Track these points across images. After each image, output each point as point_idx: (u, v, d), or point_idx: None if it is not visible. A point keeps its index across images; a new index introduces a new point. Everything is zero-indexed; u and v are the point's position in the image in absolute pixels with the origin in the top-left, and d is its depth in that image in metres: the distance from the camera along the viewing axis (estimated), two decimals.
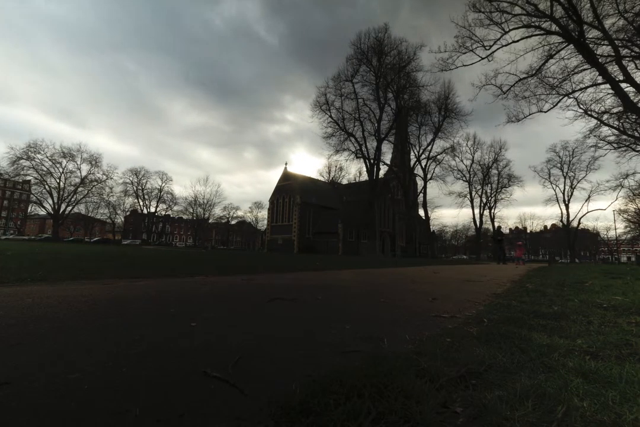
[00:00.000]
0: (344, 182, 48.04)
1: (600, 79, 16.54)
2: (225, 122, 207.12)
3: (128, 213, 67.85)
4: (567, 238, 49.90)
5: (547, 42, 17.23)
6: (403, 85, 37.76)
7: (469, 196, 51.35)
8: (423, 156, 43.21)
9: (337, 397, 0.94)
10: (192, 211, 68.03)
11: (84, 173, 52.53)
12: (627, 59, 16.18)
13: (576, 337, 1.73)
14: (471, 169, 51.17)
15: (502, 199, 51.86)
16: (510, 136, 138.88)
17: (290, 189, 48.86)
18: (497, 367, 1.26)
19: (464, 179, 51.09)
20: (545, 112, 19.28)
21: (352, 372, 1.12)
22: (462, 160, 50.65)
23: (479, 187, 51.80)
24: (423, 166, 43.34)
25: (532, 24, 17.06)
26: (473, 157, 51.13)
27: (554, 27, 16.42)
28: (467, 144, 50.37)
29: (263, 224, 68.88)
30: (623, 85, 15.74)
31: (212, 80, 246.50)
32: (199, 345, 1.50)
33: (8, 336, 1.50)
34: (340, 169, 46.94)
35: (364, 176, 40.18)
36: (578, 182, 47.25)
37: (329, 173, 48.60)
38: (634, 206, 42.83)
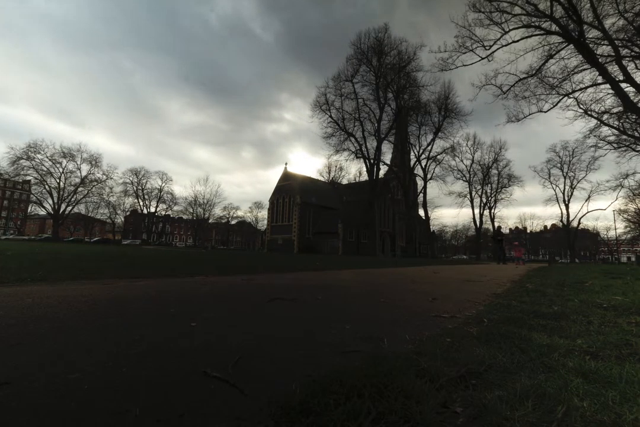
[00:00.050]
0: (344, 182, 48.13)
1: (600, 79, 16.56)
2: (222, 121, 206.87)
3: (128, 213, 67.87)
4: (567, 238, 49.90)
5: (547, 42, 17.26)
6: (403, 85, 37.80)
7: (469, 196, 51.45)
8: (423, 156, 43.30)
9: (337, 397, 0.94)
10: (192, 211, 68.15)
11: (84, 173, 52.65)
12: (627, 59, 16.19)
13: (576, 337, 1.73)
14: (471, 169, 51.27)
15: (502, 199, 51.97)
16: (510, 136, 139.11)
17: (290, 189, 48.87)
18: (497, 367, 1.26)
19: (464, 179, 51.18)
20: (545, 112, 19.32)
21: (352, 372, 1.12)
22: (462, 160, 50.76)
23: (479, 187, 51.90)
24: (423, 166, 43.42)
25: (532, 24, 17.07)
26: (473, 157, 51.23)
27: (554, 27, 16.43)
28: (467, 144, 50.48)
29: (263, 224, 68.97)
30: (623, 85, 15.76)
31: (208, 79, 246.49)
32: (199, 345, 1.50)
33: (8, 336, 1.50)
34: (340, 169, 47.07)
35: (364, 176, 40.27)
36: (578, 182, 47.34)
37: (329, 173, 48.72)
38: (634, 206, 42.89)
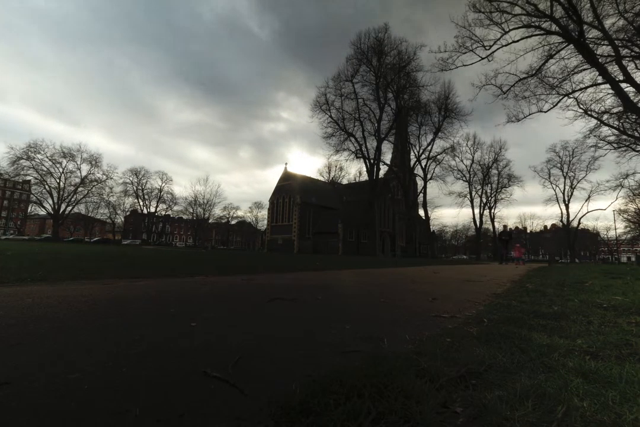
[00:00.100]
0: (344, 182, 48.08)
1: (600, 79, 16.55)
2: (219, 120, 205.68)
3: (128, 213, 67.89)
4: (567, 238, 49.92)
5: (547, 42, 17.25)
6: (403, 85, 37.81)
7: (469, 196, 51.48)
8: (423, 156, 43.32)
9: (337, 397, 0.94)
10: (192, 211, 68.17)
11: (84, 173, 52.64)
12: (627, 59, 16.19)
13: (576, 337, 1.74)
14: (471, 169, 51.31)
15: (502, 199, 52.03)
16: (510, 135, 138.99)
17: (290, 189, 48.87)
18: (497, 367, 1.26)
19: (464, 179, 51.20)
20: (545, 112, 19.29)
21: (352, 372, 1.12)
22: (462, 160, 50.79)
23: (479, 187, 51.95)
24: (423, 166, 43.44)
25: (532, 24, 17.06)
26: (473, 157, 51.27)
27: (554, 27, 16.42)
28: (467, 144, 50.51)
29: (263, 224, 68.97)
30: (623, 85, 15.75)
31: (205, 77, 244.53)
32: (199, 345, 1.50)
33: (8, 336, 1.50)
34: (340, 169, 46.98)
35: (364, 176, 40.26)
36: (578, 182, 47.36)
37: (329, 173, 48.65)
38: (634, 206, 42.90)
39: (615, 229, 57.45)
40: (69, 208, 52.53)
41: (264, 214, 67.09)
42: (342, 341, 1.66)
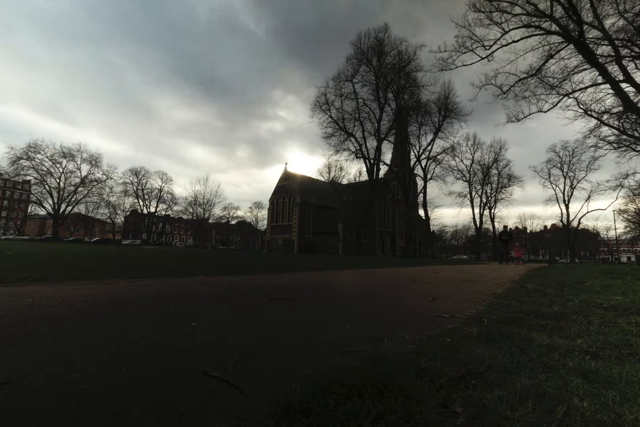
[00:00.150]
0: (344, 182, 48.08)
1: (600, 79, 16.55)
2: (217, 119, 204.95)
3: (128, 213, 67.88)
4: (567, 238, 49.91)
5: (547, 42, 17.25)
6: (403, 85, 37.82)
7: (469, 196, 51.48)
8: (423, 156, 43.32)
9: (337, 397, 0.94)
10: (192, 211, 68.17)
11: (84, 173, 52.63)
12: (627, 59, 16.19)
13: (576, 337, 1.74)
14: (471, 169, 51.32)
15: (502, 199, 52.05)
16: (510, 135, 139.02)
17: (290, 189, 48.87)
18: (497, 367, 1.26)
19: (464, 179, 51.21)
20: (545, 112, 19.30)
21: (352, 372, 1.12)
22: (462, 160, 50.80)
23: (479, 187, 51.96)
24: (423, 166, 43.44)
25: (532, 24, 17.06)
26: (473, 157, 51.28)
27: (554, 27, 16.42)
28: (467, 144, 50.52)
29: (263, 224, 68.99)
30: (623, 85, 15.75)
31: (202, 75, 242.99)
32: (199, 345, 1.50)
33: (8, 336, 1.50)
34: (340, 169, 46.97)
35: (364, 176, 40.26)
36: (578, 182, 47.35)
37: (329, 173, 48.64)
38: (634, 206, 42.89)
39: (615, 229, 57.57)
40: (69, 208, 52.56)
41: (264, 214, 67.21)
42: (342, 341, 1.66)
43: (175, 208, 68.51)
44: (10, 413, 0.86)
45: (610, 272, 7.54)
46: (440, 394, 1.02)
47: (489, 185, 52.02)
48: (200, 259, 9.84)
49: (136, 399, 0.96)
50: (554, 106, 19.00)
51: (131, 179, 61.67)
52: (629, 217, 45.48)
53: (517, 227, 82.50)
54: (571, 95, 18.42)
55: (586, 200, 46.65)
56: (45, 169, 49.22)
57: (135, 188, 62.45)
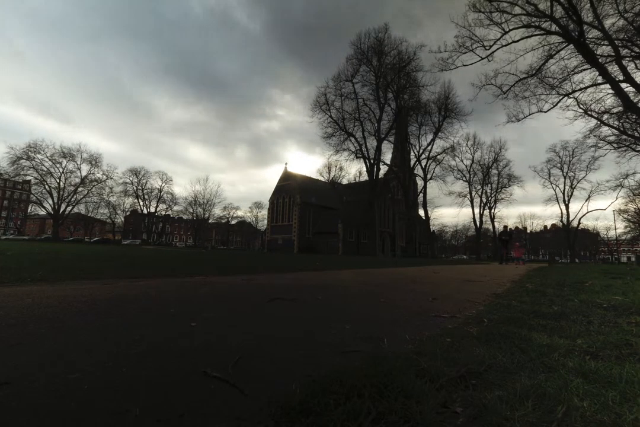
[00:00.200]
0: (344, 182, 48.07)
1: (600, 79, 16.56)
2: (215, 118, 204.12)
3: (128, 213, 67.90)
4: (567, 238, 49.90)
5: (547, 42, 17.25)
6: (403, 85, 37.84)
7: (469, 196, 51.49)
8: (423, 156, 43.34)
9: (337, 397, 0.94)
10: (192, 211, 68.17)
11: (84, 173, 52.65)
12: (627, 59, 16.19)
13: (576, 337, 1.74)
14: (471, 169, 51.32)
15: (502, 199, 52.06)
16: (510, 135, 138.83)
17: (290, 189, 48.88)
18: (497, 367, 1.26)
19: (464, 179, 51.22)
20: (545, 112, 19.30)
21: (352, 372, 1.12)
22: (462, 160, 50.81)
23: (479, 187, 51.96)
24: (423, 166, 43.47)
25: (532, 24, 17.06)
26: (473, 157, 51.29)
27: (554, 27, 16.43)
28: (467, 144, 50.52)
29: (263, 224, 69.00)
30: (623, 85, 15.75)
31: (200, 74, 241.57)
32: (199, 345, 1.50)
33: (8, 336, 1.50)
34: (340, 169, 46.96)
35: (364, 176, 40.26)
36: (578, 182, 47.36)
37: (329, 173, 48.60)
38: (634, 206, 42.91)
39: (615, 229, 57.45)
40: (69, 208, 52.58)
41: (264, 214, 67.22)
42: (342, 341, 1.66)
43: (175, 208, 68.65)
44: (10, 413, 0.86)
45: (610, 272, 7.54)
46: (440, 394, 1.02)
47: (489, 185, 52.09)
48: (200, 259, 9.84)
49: (136, 399, 0.96)
50: (554, 106, 19.03)
51: (131, 179, 61.78)
52: (629, 217, 45.53)
53: (517, 227, 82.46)
54: (571, 95, 18.44)
55: (586, 201, 46.73)
56: (45, 169, 49.32)
57: (135, 188, 62.55)
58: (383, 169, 40.93)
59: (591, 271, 8.60)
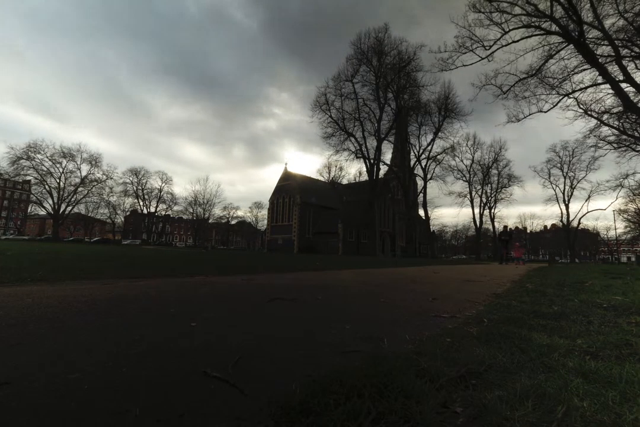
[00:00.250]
0: (344, 182, 48.08)
1: (600, 79, 16.56)
2: (212, 117, 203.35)
3: (128, 213, 67.90)
4: (567, 238, 49.90)
5: (547, 42, 17.25)
6: (403, 85, 37.84)
7: (469, 196, 51.48)
8: (423, 156, 43.34)
9: (337, 397, 0.94)
10: (192, 211, 68.18)
11: (84, 173, 52.65)
12: (627, 59, 16.18)
13: (576, 337, 1.74)
14: (471, 169, 51.31)
15: (502, 199, 52.06)
16: (510, 134, 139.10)
17: (290, 189, 48.88)
18: (497, 367, 1.26)
19: (464, 179, 51.22)
20: (545, 112, 19.29)
21: (352, 372, 1.12)
22: (462, 160, 50.80)
23: (479, 187, 51.96)
24: (423, 166, 43.46)
25: (532, 24, 17.06)
26: (473, 157, 51.28)
27: (554, 27, 16.42)
28: (467, 144, 50.50)
29: (263, 224, 69.03)
30: (623, 85, 15.75)
31: (197, 72, 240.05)
32: (199, 345, 1.50)
33: (8, 336, 1.50)
34: (340, 169, 46.97)
35: (364, 176, 40.25)
36: (578, 182, 47.34)
37: (329, 173, 48.61)
38: (634, 206, 42.91)
39: (615, 229, 57.49)
40: (69, 208, 52.58)
41: (264, 214, 67.22)
42: (342, 341, 1.66)
43: (175, 208, 68.67)
44: (10, 413, 0.86)
45: (610, 272, 7.54)
46: (440, 394, 1.02)
47: (489, 185, 52.08)
48: (200, 259, 9.84)
49: (136, 399, 0.96)
50: (554, 106, 19.02)
51: (131, 179, 61.79)
52: (629, 217, 45.54)
53: (517, 227, 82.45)
54: (571, 95, 18.44)
55: (586, 200, 46.71)
56: (45, 169, 49.32)
57: (135, 188, 62.56)
58: (383, 169, 41.00)
59: (591, 271, 8.60)
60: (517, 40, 17.76)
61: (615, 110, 18.71)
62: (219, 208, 73.08)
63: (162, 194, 65.23)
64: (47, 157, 49.12)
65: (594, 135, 21.38)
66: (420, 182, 45.67)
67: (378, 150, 37.47)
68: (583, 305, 2.82)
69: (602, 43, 16.14)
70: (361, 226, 41.68)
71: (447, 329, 1.96)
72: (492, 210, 52.59)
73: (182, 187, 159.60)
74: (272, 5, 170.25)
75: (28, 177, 50.53)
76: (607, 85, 16.46)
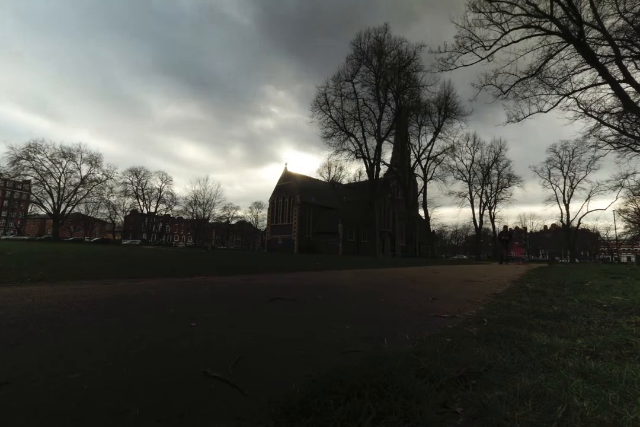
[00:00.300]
0: (344, 182, 48.07)
1: (600, 79, 16.55)
2: (210, 116, 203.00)
3: (128, 213, 67.88)
4: (567, 238, 49.89)
5: (547, 42, 17.23)
6: (403, 85, 37.83)
7: (469, 196, 51.45)
8: (423, 156, 43.32)
9: (337, 397, 0.94)
10: (192, 211, 68.18)
11: (84, 173, 52.63)
12: (627, 59, 16.18)
13: (576, 337, 1.74)
14: (471, 169, 51.28)
15: (502, 199, 52.03)
16: (510, 134, 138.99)
17: (290, 189, 48.89)
18: (497, 367, 1.26)
19: (464, 179, 51.19)
20: (545, 112, 19.27)
21: (352, 372, 1.12)
22: (462, 160, 50.76)
23: (479, 187, 51.92)
24: (423, 166, 43.45)
25: (532, 24, 17.05)
26: (473, 157, 51.25)
27: (554, 27, 16.42)
28: (467, 144, 50.46)
29: (263, 224, 69.05)
30: (623, 85, 15.74)
31: (196, 71, 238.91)
32: (199, 345, 1.50)
33: (8, 336, 1.50)
34: (340, 169, 46.96)
35: (364, 176, 40.22)
36: (578, 182, 47.32)
37: (329, 173, 48.60)
38: (634, 206, 42.90)
39: (615, 229, 57.42)
40: (69, 208, 52.55)
41: (264, 214, 67.25)
42: (342, 341, 1.66)
43: (175, 208, 68.64)
44: (10, 413, 0.86)
45: (610, 272, 7.54)
46: (440, 394, 1.02)
47: (489, 185, 52.05)
48: (200, 259, 9.84)
49: (136, 399, 0.96)
50: (554, 106, 19.00)
51: (131, 179, 61.73)
52: (629, 217, 45.54)
53: (517, 227, 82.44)
54: (571, 95, 18.42)
55: (586, 200, 46.69)
56: (45, 169, 49.30)
57: (135, 188, 62.52)
58: (383, 169, 40.97)
59: (591, 271, 8.60)
60: (517, 41, 17.76)
61: (615, 110, 18.73)
62: (219, 208, 73.16)
63: (162, 194, 65.28)
64: (47, 157, 49.17)
65: (594, 135, 21.41)
66: (420, 182, 45.73)
67: (378, 150, 37.49)
68: (583, 305, 2.82)
69: (602, 43, 16.14)
70: (361, 226, 41.69)
71: (447, 329, 1.96)
72: (492, 211, 52.63)
73: (181, 187, 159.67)
74: (269, 2, 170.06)
75: (28, 177, 50.57)
76: (607, 85, 16.46)
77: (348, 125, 37.56)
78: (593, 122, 19.97)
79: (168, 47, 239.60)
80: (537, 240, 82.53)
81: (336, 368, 1.18)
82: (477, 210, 51.98)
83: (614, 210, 43.90)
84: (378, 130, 37.34)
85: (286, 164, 53.82)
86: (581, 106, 19.13)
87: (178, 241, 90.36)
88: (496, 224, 52.89)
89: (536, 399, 0.98)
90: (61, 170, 50.90)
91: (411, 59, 36.45)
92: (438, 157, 43.40)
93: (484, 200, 52.08)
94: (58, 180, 50.60)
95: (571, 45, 16.34)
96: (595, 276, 6.38)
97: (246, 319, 2.10)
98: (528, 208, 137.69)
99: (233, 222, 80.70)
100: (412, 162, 43.36)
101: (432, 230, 49.61)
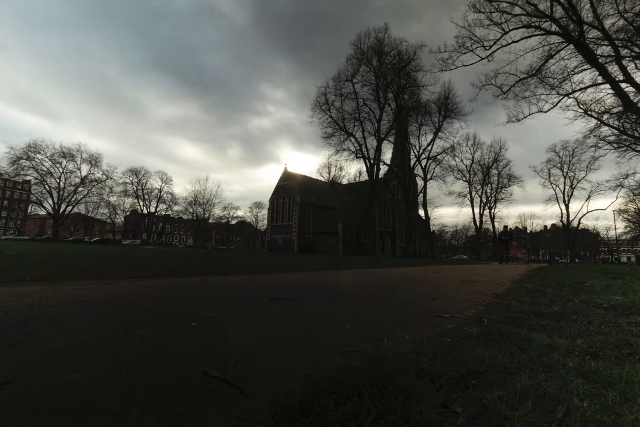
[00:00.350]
0: (344, 182, 48.04)
1: (600, 79, 16.55)
2: (208, 115, 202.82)
3: (128, 213, 67.92)
4: (567, 238, 49.86)
5: (547, 42, 17.23)
6: (403, 85, 37.79)
7: (469, 196, 51.41)
8: (423, 156, 43.30)
9: (337, 397, 0.94)
10: (192, 211, 68.20)
11: (83, 173, 52.66)
12: (627, 59, 16.18)
13: (576, 337, 1.73)
14: (471, 169, 51.24)
15: (502, 199, 51.97)
16: (510, 134, 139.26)
17: (290, 189, 48.89)
18: (497, 367, 1.26)
19: (464, 179, 51.16)
20: (545, 112, 19.26)
21: (352, 372, 1.12)
22: (462, 160, 50.72)
23: (479, 187, 51.87)
24: (423, 166, 43.42)
25: (532, 24, 17.05)
26: (473, 157, 51.21)
27: (554, 27, 16.42)
28: (467, 144, 50.41)
29: (263, 224, 69.02)
30: (623, 85, 15.74)
31: (193, 70, 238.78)
32: (199, 345, 1.50)
33: (8, 336, 1.50)
34: (340, 169, 46.93)
35: (364, 176, 40.19)
36: (578, 182, 47.28)
37: (329, 173, 48.57)
38: (634, 206, 42.93)
39: (615, 229, 57.40)
40: (69, 208, 52.58)
41: (264, 214, 67.27)
42: (342, 341, 1.66)
43: (175, 208, 68.67)
44: (10, 413, 0.86)
45: (610, 272, 7.54)
46: (440, 394, 1.02)
47: (489, 185, 51.99)
48: (200, 259, 9.84)
49: (136, 399, 0.96)
50: (554, 106, 18.99)
51: (131, 179, 61.76)
52: (629, 217, 45.56)
53: (517, 227, 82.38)
54: (571, 95, 18.42)
55: (586, 200, 46.63)
56: (45, 169, 49.33)
57: (135, 188, 62.55)
58: (383, 169, 40.92)
59: (591, 271, 8.60)
60: (517, 41, 17.75)
61: (615, 110, 18.72)
62: (219, 208, 73.17)
63: (162, 194, 65.33)
64: (47, 157, 49.22)
65: (594, 135, 21.40)
66: (420, 182, 45.68)
67: (378, 150, 37.45)
68: (583, 305, 2.82)
69: (602, 43, 16.13)
70: (361, 226, 41.70)
71: (447, 329, 1.96)
72: (492, 210, 52.57)
73: (181, 187, 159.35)
74: (267, 1, 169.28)
75: (28, 177, 50.62)
76: (607, 85, 16.46)
77: (348, 125, 37.56)
78: (593, 122, 20.00)
79: (166, 45, 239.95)
80: (537, 240, 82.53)
81: (336, 368, 1.18)
82: (477, 210, 52.00)
83: (614, 211, 43.97)
84: (378, 130, 37.33)
85: (286, 164, 54.02)
86: (581, 106, 19.15)
87: (178, 240, 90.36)
88: (496, 224, 52.90)
89: (536, 399, 0.98)
90: (61, 170, 51.01)
91: (411, 59, 36.42)
92: (438, 157, 43.44)
93: (484, 200, 52.09)
94: (58, 180, 50.69)
95: (571, 45, 16.34)
96: (595, 276, 6.38)
97: (246, 319, 2.10)
98: (528, 208, 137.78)
99: (233, 222, 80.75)
100: (412, 162, 43.37)
101: (432, 230, 49.60)
